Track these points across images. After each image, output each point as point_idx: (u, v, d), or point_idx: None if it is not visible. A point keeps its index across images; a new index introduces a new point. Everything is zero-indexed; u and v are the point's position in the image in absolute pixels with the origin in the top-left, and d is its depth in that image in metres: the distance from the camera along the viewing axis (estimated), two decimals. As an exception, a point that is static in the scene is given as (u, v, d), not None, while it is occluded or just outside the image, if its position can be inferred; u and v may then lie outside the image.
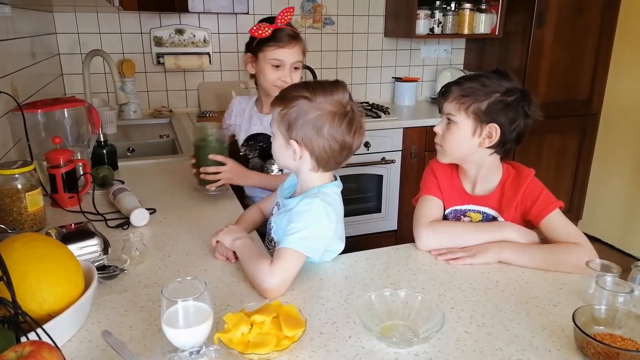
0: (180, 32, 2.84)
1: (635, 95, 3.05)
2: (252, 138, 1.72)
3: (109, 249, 1.17)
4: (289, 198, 1.16)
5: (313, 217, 1.05)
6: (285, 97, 1.08)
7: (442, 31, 3.07)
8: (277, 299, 0.98)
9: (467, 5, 3.04)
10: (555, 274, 1.11)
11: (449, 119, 1.23)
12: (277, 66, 1.57)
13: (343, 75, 3.40)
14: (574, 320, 0.84)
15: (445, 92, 1.24)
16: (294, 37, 1.59)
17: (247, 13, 2.69)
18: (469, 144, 1.22)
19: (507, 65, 3.06)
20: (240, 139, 1.74)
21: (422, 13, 2.97)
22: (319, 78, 3.07)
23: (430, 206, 1.30)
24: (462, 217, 1.31)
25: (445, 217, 1.32)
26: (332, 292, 1.04)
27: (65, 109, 1.61)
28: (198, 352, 0.78)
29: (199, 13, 2.80)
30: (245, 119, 1.75)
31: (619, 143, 3.17)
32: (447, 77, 3.24)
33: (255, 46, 1.60)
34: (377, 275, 1.11)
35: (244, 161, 1.71)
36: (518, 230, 1.20)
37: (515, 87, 1.21)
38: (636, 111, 3.05)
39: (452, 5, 3.06)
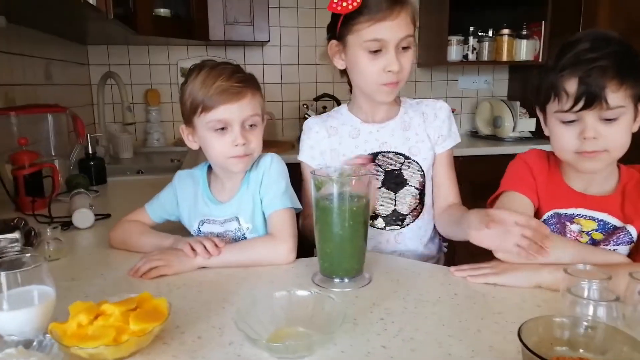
0: (206, 63, 2.87)
1: None
2: None
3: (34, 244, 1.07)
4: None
5: (278, 171, 1.06)
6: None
7: (477, 58, 2.87)
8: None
9: (506, 31, 2.84)
10: (541, 290, 0.85)
11: (610, 118, 0.91)
12: (376, 51, 1.05)
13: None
14: (519, 335, 0.59)
15: (597, 79, 0.88)
16: (397, 0, 1.04)
17: (268, 41, 2.67)
18: (630, 135, 0.94)
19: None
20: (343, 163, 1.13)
21: (455, 39, 2.81)
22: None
23: (517, 203, 1.01)
24: (569, 223, 1.00)
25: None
26: (244, 296, 0.85)
27: (49, 115, 1.59)
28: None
29: (225, 45, 2.82)
30: (345, 136, 1.18)
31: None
32: (486, 108, 2.99)
33: (341, 28, 1.08)
34: (307, 281, 0.91)
35: None
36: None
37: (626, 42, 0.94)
38: None
39: (490, 32, 2.87)
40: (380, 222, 1.18)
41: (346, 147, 1.18)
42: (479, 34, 2.87)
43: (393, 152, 1.17)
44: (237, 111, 0.98)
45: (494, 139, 2.87)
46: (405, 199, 1.17)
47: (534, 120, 2.75)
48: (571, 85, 0.90)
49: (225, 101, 0.97)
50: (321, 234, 0.89)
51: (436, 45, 2.85)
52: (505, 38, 2.85)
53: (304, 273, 0.95)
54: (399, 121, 1.19)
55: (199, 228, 1.09)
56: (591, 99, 0.88)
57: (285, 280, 0.93)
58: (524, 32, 2.86)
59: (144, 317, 0.66)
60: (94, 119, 2.73)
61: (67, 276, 0.94)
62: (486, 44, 2.86)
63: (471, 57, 2.87)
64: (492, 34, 2.87)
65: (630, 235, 0.96)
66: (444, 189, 1.20)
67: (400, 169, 1.16)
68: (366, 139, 1.17)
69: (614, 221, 0.98)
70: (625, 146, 0.93)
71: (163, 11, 2.32)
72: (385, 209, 1.17)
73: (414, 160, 1.17)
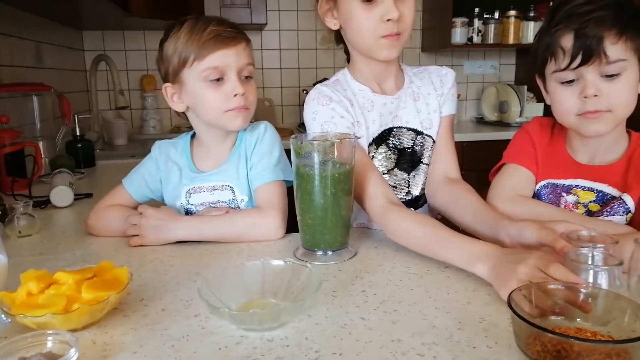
0: (204, 48, 2.81)
1: None
2: (381, 138, 1.03)
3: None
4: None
5: (271, 140, 1.01)
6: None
7: (482, 41, 2.79)
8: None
9: (512, 13, 2.75)
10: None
11: (611, 74, 0.83)
12: (370, 0, 0.91)
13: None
14: (509, 303, 0.53)
15: (594, 30, 0.81)
16: None
17: (266, 24, 2.60)
18: (635, 95, 0.86)
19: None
20: (363, 140, 1.01)
21: (459, 21, 2.73)
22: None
23: (518, 176, 0.97)
24: (565, 194, 0.94)
25: (535, 195, 0.98)
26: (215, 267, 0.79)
27: (34, 95, 1.55)
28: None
29: (223, 30, 2.76)
30: (362, 107, 1.02)
31: None
32: (492, 93, 2.91)
33: None
34: (289, 255, 0.85)
35: None
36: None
37: None
38: None
39: (496, 13, 2.78)
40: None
41: (368, 120, 1.01)
42: (485, 15, 2.78)
43: (405, 128, 1.04)
44: (234, 57, 0.90)
45: (500, 124, 2.79)
46: (420, 179, 1.06)
47: (542, 105, 2.66)
48: (567, 41, 0.84)
49: (222, 46, 0.89)
50: (302, 204, 0.83)
51: (440, 27, 2.77)
52: (512, 20, 2.76)
53: (287, 248, 0.89)
54: (408, 91, 1.05)
55: (187, 200, 1.01)
56: (589, 53, 0.81)
57: (266, 255, 0.86)
58: (532, 14, 2.77)
59: (100, 285, 0.61)
60: (89, 106, 2.68)
61: (36, 251, 0.89)
62: (492, 26, 2.77)
63: (476, 39, 2.78)
64: (498, 16, 2.78)
65: (626, 205, 0.89)
66: (443, 157, 1.06)
67: (413, 147, 1.04)
68: (381, 112, 1.01)
69: (614, 192, 0.91)
70: (630, 105, 0.86)
71: (157, -8, 2.27)
72: (398, 193, 1.04)
73: (427, 135, 1.05)
